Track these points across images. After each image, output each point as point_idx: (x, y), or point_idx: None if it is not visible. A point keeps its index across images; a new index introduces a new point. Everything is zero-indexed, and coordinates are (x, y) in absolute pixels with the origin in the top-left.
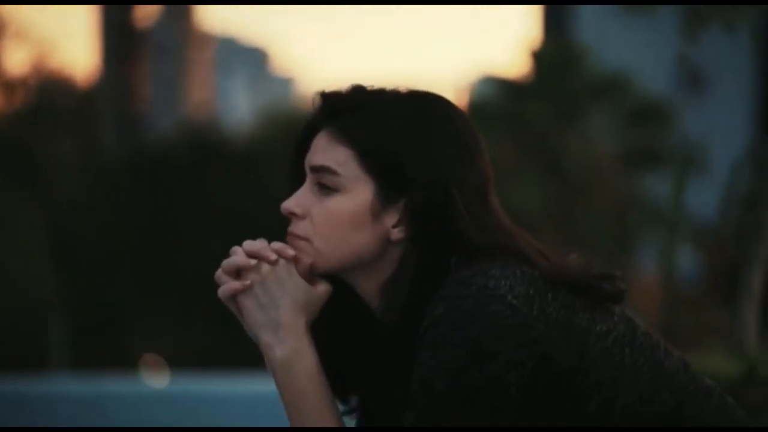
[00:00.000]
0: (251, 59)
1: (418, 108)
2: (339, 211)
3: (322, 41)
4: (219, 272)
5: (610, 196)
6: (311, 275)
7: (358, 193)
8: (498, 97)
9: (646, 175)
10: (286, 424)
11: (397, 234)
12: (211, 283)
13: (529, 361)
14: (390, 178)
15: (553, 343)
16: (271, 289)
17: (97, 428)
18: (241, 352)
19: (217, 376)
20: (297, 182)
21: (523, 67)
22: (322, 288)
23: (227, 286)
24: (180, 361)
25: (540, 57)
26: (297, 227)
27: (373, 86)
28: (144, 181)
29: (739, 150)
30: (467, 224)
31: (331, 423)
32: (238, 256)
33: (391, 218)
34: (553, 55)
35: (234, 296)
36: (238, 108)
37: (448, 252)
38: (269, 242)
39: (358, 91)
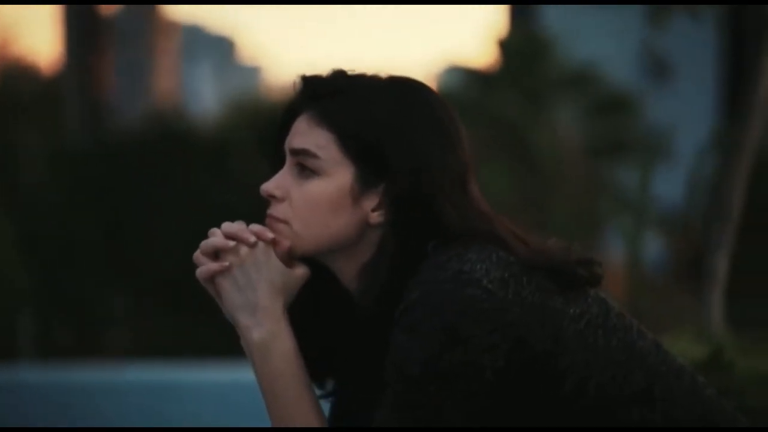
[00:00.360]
0: (217, 47)
1: (400, 94)
2: (318, 195)
3: (289, 30)
4: (197, 253)
5: (577, 184)
6: (290, 258)
7: (338, 176)
8: (465, 87)
9: (614, 164)
10: (260, 412)
11: (376, 218)
12: (180, 270)
13: (504, 344)
14: (370, 162)
15: (527, 327)
16: (249, 272)
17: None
18: (213, 339)
19: (189, 364)
20: (278, 165)
21: (489, 57)
22: (300, 271)
23: (205, 267)
24: (149, 349)
25: (506, 47)
26: (276, 210)
27: (354, 71)
28: (110, 168)
29: (705, 137)
30: (447, 210)
31: (307, 406)
32: (216, 237)
33: (370, 202)
34: (520, 44)
35: (212, 278)
36: (205, 96)
37: (427, 237)
38: (247, 225)
39: (339, 75)
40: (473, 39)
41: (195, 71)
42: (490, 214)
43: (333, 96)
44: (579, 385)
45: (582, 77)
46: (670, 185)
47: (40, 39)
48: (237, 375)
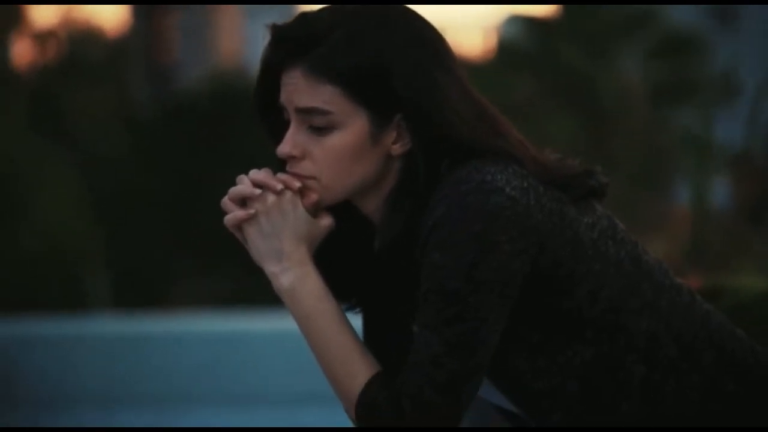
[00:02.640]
0: (278, 6)
1: (383, 22)
2: (340, 147)
3: None
4: (225, 200)
5: (642, 128)
6: (316, 210)
7: (354, 124)
8: (525, 36)
9: (678, 106)
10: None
11: (398, 149)
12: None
13: (531, 249)
14: (380, 101)
15: (549, 232)
16: (274, 219)
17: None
18: (270, 292)
19: (248, 315)
20: (267, 121)
21: (550, 4)
22: (326, 221)
23: (232, 214)
24: (211, 302)
25: None
26: (299, 167)
27: (321, 9)
28: (174, 129)
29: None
30: (460, 125)
31: (344, 340)
32: (243, 185)
33: (389, 137)
34: None
35: (239, 225)
36: None
37: (446, 156)
38: (275, 173)
39: (316, 19)
40: None
41: (257, 29)
42: (497, 118)
43: (319, 44)
44: (592, 292)
45: (643, 18)
46: (735, 127)
47: (105, 5)
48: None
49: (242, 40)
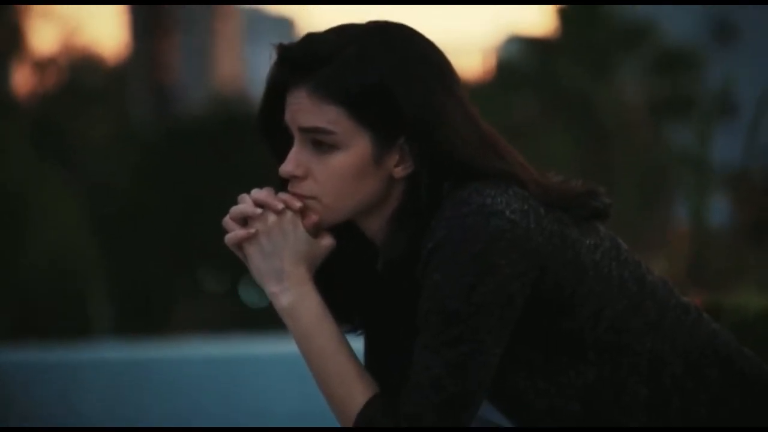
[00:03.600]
0: (278, 29)
1: (388, 44)
2: (342, 168)
3: (347, 7)
4: (226, 219)
5: (641, 145)
6: (318, 230)
7: (357, 146)
8: (525, 55)
9: (676, 123)
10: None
11: (400, 172)
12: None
13: (531, 272)
14: (384, 122)
15: (550, 255)
16: (275, 239)
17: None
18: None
19: (255, 340)
20: (271, 139)
21: (548, 23)
22: (327, 242)
23: (233, 233)
24: (214, 325)
25: (565, 11)
26: (300, 187)
27: (327, 30)
28: (175, 152)
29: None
30: (462, 146)
31: (343, 360)
32: (245, 204)
33: (392, 159)
34: (578, 8)
35: (240, 244)
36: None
37: (447, 177)
38: (277, 192)
39: (322, 40)
40: (531, 7)
41: (256, 54)
42: (498, 140)
43: (325, 64)
44: (594, 314)
45: (642, 31)
46: (734, 145)
47: (105, 28)
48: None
49: (242, 61)
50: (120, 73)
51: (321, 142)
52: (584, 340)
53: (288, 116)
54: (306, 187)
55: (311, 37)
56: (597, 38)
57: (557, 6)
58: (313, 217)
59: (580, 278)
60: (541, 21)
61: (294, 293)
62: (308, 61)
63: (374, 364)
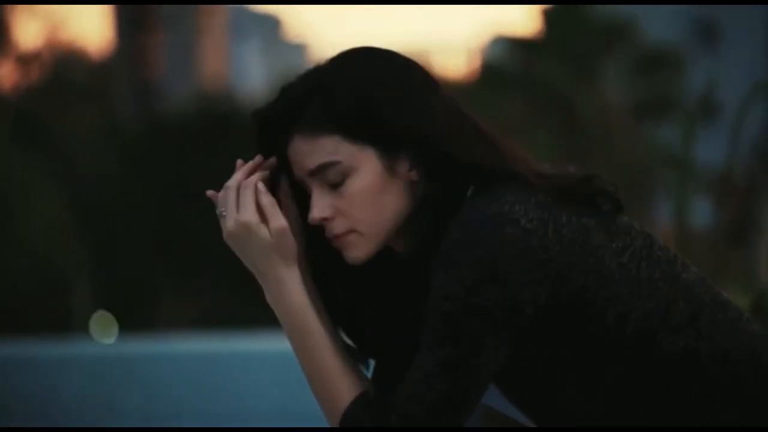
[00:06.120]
0: (264, 26)
1: (360, 61)
2: (361, 190)
3: (334, 5)
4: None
5: (624, 145)
6: (368, 258)
7: (366, 164)
8: (510, 56)
9: (659, 124)
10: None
11: (415, 176)
12: (226, 248)
13: (546, 281)
14: (383, 136)
15: (568, 263)
16: (237, 247)
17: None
18: (261, 312)
19: (238, 336)
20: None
21: (532, 24)
22: (277, 224)
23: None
24: (199, 323)
25: (549, 12)
26: (335, 227)
27: (297, 76)
28: (159, 148)
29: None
30: (463, 146)
31: (328, 357)
32: (223, 192)
33: (403, 166)
34: (562, 8)
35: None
36: (252, 74)
37: (458, 179)
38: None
39: (292, 86)
40: (515, 8)
41: (242, 50)
42: (499, 139)
43: (303, 104)
44: (620, 316)
45: (624, 30)
46: (717, 146)
47: (90, 24)
48: (280, 345)
49: (227, 58)
50: (105, 68)
51: (333, 178)
52: (612, 342)
53: (295, 170)
54: (339, 225)
55: (283, 89)
56: (580, 39)
57: (541, 6)
58: (358, 250)
59: (603, 283)
60: (525, 22)
61: (272, 292)
62: (288, 112)
63: (384, 369)
